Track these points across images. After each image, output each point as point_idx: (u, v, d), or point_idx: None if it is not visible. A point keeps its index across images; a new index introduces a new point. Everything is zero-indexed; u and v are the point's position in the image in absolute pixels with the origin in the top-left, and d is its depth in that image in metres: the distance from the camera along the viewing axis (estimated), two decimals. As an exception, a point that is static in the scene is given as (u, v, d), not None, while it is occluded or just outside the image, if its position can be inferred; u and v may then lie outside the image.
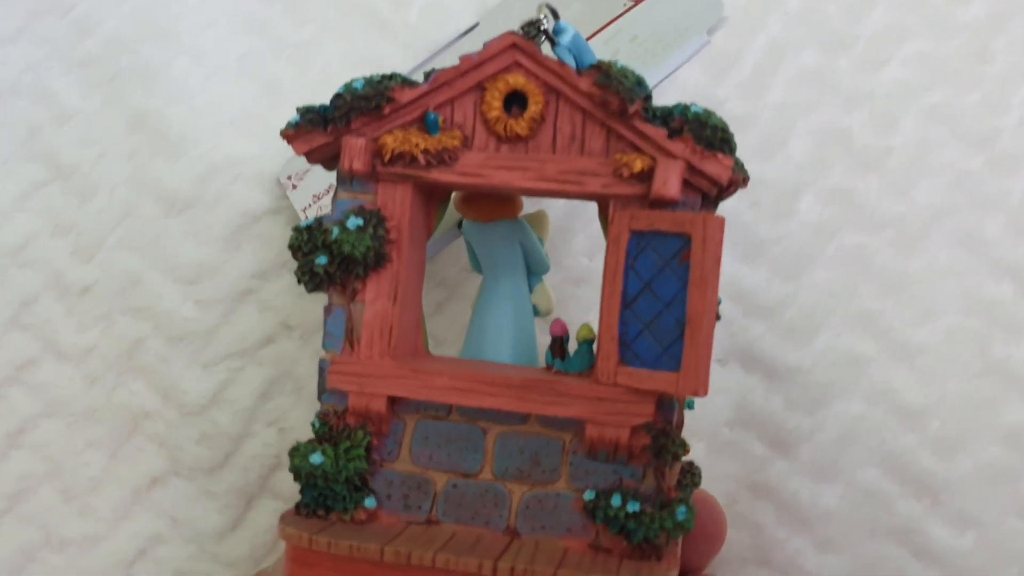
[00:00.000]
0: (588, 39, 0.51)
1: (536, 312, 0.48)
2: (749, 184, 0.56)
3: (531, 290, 0.48)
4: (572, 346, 0.44)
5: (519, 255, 0.48)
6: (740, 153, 0.57)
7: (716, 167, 0.40)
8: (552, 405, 0.40)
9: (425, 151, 0.41)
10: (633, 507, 0.39)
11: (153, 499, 0.56)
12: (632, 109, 0.40)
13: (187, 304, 0.57)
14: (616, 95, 0.40)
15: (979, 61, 0.58)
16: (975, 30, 0.58)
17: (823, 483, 0.54)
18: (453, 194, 0.47)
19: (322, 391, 0.42)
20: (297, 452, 0.42)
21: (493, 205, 0.47)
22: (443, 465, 0.42)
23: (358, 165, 0.41)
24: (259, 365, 0.56)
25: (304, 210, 0.55)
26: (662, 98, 0.48)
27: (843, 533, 0.54)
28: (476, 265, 0.49)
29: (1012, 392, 0.55)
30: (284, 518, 0.42)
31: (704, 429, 0.54)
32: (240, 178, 0.58)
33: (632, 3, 0.52)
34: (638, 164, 0.40)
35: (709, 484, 0.53)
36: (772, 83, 0.58)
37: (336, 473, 0.41)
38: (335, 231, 0.41)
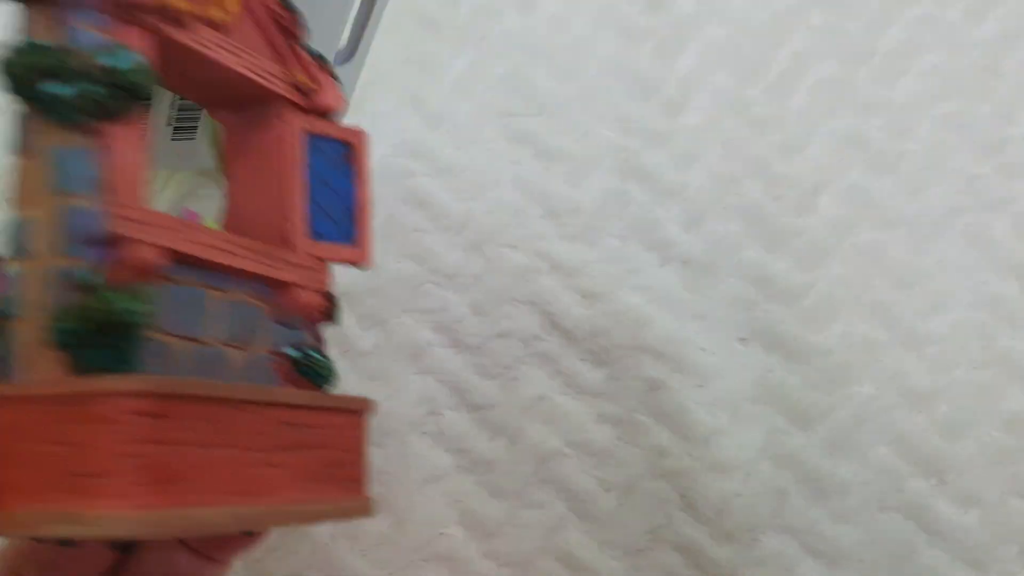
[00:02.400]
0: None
1: None
2: (773, 180, 0.60)
3: None
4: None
5: None
6: (766, 151, 0.61)
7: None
8: (281, 271, 0.43)
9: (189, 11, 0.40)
10: (324, 360, 0.45)
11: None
12: (301, 34, 0.46)
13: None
14: (295, 17, 0.45)
15: (991, 75, 0.62)
16: (988, 47, 0.63)
17: (838, 458, 0.57)
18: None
19: (88, 238, 0.36)
20: (119, 296, 0.36)
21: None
22: (175, 330, 0.39)
23: None
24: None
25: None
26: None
27: (857, 506, 0.56)
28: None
29: (1014, 381, 0.58)
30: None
31: (727, 401, 0.58)
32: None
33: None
34: (303, 80, 0.46)
35: (734, 453, 0.57)
36: (797, 89, 0.62)
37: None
38: (119, 60, 0.37)
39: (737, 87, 0.63)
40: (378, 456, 0.58)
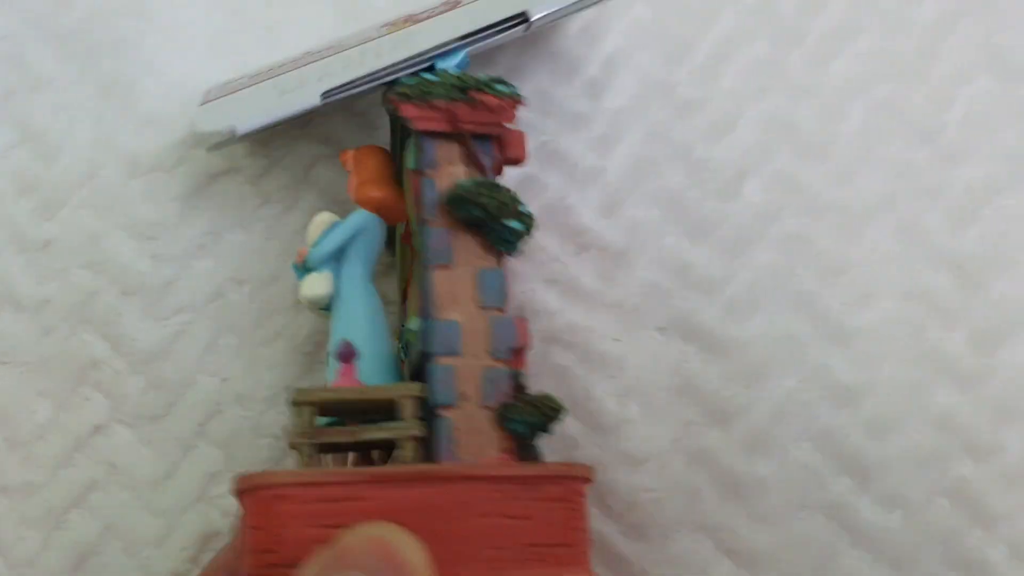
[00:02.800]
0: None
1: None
2: (696, 165, 0.58)
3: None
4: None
5: None
6: (691, 135, 0.59)
7: None
8: None
9: None
10: None
11: (94, 446, 0.56)
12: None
13: (143, 259, 0.58)
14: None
15: (928, 59, 0.60)
16: (925, 29, 0.60)
17: (757, 455, 0.55)
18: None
19: (510, 346, 0.44)
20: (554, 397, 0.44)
21: None
22: None
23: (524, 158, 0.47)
24: (208, 319, 0.57)
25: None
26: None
27: (775, 505, 0.54)
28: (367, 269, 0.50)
29: (944, 378, 0.55)
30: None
31: (639, 392, 0.55)
32: (202, 143, 0.59)
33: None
34: None
35: (643, 445, 0.54)
36: (724, 71, 0.60)
37: None
38: (524, 205, 0.45)
39: (662, 68, 0.60)
40: (291, 462, 0.56)
